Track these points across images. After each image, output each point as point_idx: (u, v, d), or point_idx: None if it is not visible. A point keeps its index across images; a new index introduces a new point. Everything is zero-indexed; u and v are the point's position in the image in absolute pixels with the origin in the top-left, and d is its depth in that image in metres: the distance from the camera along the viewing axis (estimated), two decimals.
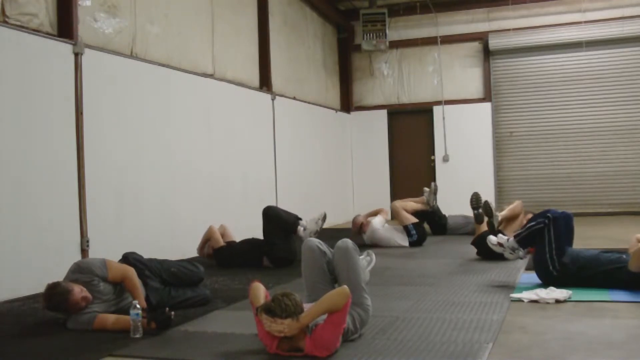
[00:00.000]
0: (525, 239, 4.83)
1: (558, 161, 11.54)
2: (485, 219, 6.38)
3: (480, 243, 6.22)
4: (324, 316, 3.03)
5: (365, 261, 3.90)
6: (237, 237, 6.69)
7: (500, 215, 6.46)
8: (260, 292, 3.19)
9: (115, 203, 6.00)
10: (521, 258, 5.05)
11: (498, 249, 5.04)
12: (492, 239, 5.14)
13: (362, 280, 3.49)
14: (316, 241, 3.66)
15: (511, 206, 6.69)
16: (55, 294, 3.68)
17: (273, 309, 2.93)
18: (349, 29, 12.57)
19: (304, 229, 6.18)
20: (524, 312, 3.91)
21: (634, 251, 4.34)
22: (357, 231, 7.75)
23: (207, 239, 6.47)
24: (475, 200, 6.60)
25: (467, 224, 8.30)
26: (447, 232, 8.46)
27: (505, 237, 5.06)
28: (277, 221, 6.25)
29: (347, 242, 3.57)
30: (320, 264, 3.57)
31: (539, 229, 4.66)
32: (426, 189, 8.17)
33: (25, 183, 5.03)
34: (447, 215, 8.57)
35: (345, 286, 3.10)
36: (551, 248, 4.59)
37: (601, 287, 4.41)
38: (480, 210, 6.51)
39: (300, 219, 6.32)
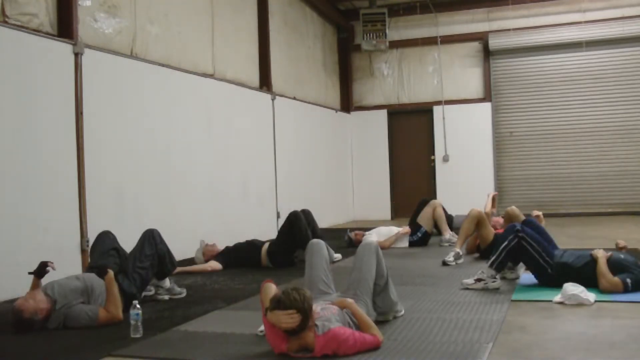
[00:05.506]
0: (501, 263, 4.60)
1: (558, 161, 11.53)
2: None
3: (485, 249, 6.14)
4: (336, 323, 3.02)
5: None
6: (236, 236, 6.69)
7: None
8: (271, 291, 3.13)
9: (115, 203, 6.00)
10: (513, 278, 4.97)
11: (478, 286, 4.63)
12: (467, 281, 4.74)
13: (369, 281, 3.51)
14: (323, 242, 3.80)
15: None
16: (15, 321, 3.67)
17: (283, 300, 2.91)
18: (349, 29, 12.57)
19: None
20: (524, 312, 3.91)
21: (598, 272, 4.33)
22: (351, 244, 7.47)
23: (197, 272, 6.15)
24: None
25: None
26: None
27: (479, 271, 4.74)
28: (297, 231, 6.13)
29: (373, 242, 3.79)
30: (324, 262, 3.64)
31: (513, 246, 4.52)
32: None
33: (25, 183, 5.03)
34: (453, 215, 8.53)
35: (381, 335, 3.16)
36: (540, 254, 4.55)
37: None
38: None
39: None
